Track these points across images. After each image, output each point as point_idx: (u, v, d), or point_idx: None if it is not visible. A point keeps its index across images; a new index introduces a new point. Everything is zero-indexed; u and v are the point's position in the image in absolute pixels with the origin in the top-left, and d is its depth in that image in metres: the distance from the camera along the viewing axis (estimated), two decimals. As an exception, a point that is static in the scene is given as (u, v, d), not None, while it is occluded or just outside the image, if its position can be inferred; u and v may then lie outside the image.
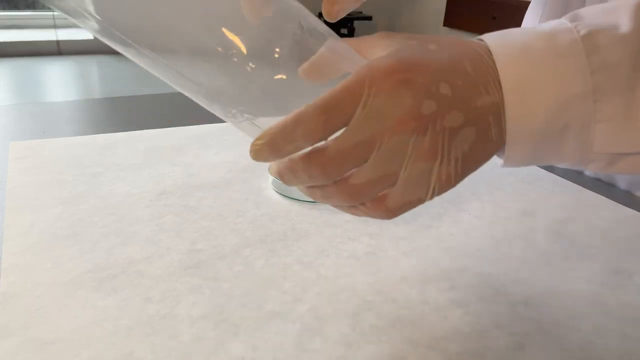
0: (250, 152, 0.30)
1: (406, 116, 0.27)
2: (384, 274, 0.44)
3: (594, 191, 0.60)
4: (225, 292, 0.40)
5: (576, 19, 0.30)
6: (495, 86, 0.29)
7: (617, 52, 0.29)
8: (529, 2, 0.69)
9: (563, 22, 0.30)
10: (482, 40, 0.31)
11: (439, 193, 0.30)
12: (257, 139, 0.30)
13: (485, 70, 0.29)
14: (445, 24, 3.42)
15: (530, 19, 0.69)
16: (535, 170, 0.65)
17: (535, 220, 0.53)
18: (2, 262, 0.43)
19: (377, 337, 0.37)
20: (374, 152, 0.28)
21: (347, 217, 0.52)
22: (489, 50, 0.30)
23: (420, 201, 0.30)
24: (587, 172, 0.66)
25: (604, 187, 0.62)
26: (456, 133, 0.28)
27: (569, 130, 0.29)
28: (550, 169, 0.66)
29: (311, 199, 0.55)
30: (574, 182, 0.62)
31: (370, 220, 0.52)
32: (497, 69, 0.29)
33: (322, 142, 0.29)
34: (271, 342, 0.36)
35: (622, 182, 0.63)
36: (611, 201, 0.58)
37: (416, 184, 0.29)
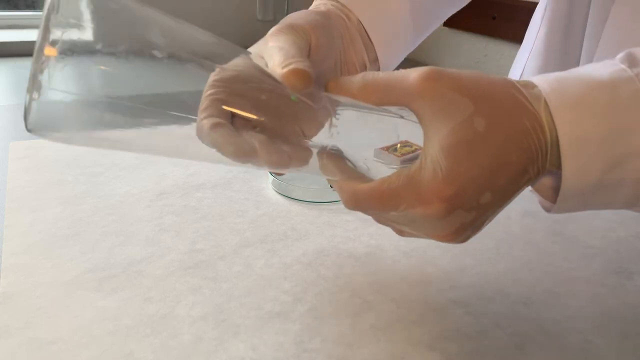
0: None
1: (445, 233, 0.30)
2: (384, 274, 0.44)
3: (594, 191, 0.60)
4: (225, 292, 0.40)
5: (636, 64, 0.29)
6: (536, 166, 0.29)
7: None
8: (529, 2, 0.69)
9: (621, 68, 0.29)
10: (534, 86, 0.30)
11: None
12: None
13: (531, 154, 0.29)
14: (445, 24, 3.41)
15: (536, 19, 0.68)
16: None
17: (535, 220, 0.53)
18: (2, 262, 0.43)
19: (377, 337, 0.37)
20: (408, 230, 0.33)
21: (347, 217, 0.52)
22: (546, 103, 0.29)
23: None
24: None
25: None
26: (484, 223, 0.31)
27: (622, 184, 0.29)
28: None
29: (312, 200, 0.55)
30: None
31: (370, 220, 0.52)
32: (553, 127, 0.28)
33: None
34: (271, 342, 0.36)
35: None
36: (611, 201, 0.58)
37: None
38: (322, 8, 0.41)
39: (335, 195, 0.56)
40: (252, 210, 0.53)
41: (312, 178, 0.60)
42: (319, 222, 0.51)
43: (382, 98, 0.30)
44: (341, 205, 0.55)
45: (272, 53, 0.32)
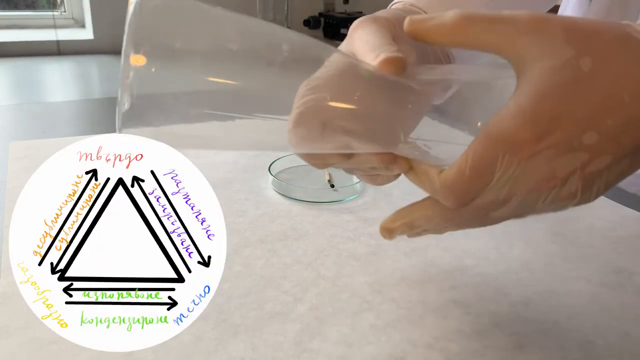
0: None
1: (542, 182, 0.26)
2: (384, 274, 0.44)
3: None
4: (225, 292, 0.40)
5: None
6: None
7: None
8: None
9: None
10: None
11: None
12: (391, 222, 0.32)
13: None
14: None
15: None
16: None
17: (535, 220, 0.53)
18: (2, 262, 0.43)
19: (377, 337, 0.37)
20: (507, 205, 0.28)
21: (347, 217, 0.52)
22: None
23: None
24: None
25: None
26: (602, 173, 0.26)
27: None
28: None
29: (312, 200, 0.55)
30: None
31: (370, 220, 0.52)
32: None
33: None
34: (271, 342, 0.36)
35: None
36: (611, 201, 0.58)
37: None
38: (400, 6, 0.41)
39: (335, 195, 0.56)
40: (252, 210, 0.53)
41: (312, 178, 0.60)
42: (319, 222, 0.51)
43: (481, 35, 0.27)
44: (341, 205, 0.55)
45: (358, 47, 0.32)
